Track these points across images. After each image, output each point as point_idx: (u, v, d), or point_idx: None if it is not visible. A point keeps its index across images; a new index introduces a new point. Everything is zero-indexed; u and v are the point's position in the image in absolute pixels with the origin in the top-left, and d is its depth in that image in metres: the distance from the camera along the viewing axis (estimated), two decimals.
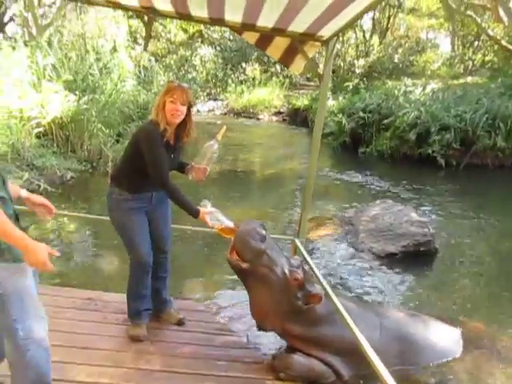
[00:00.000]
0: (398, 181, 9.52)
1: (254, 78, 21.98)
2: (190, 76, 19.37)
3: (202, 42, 22.52)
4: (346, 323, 2.25)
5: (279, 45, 3.11)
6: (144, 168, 2.58)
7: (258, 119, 19.95)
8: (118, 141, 9.82)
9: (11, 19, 16.77)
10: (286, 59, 3.25)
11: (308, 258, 2.99)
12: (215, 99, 21.97)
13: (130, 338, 2.75)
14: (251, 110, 20.39)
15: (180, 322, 3.02)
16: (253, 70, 22.41)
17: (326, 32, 2.78)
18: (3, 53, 9.32)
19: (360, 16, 2.37)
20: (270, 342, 3.00)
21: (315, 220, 6.56)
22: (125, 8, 2.87)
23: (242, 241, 2.50)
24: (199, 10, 2.63)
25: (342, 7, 2.24)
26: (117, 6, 2.78)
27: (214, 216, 2.56)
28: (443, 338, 2.97)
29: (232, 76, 22.44)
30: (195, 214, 2.57)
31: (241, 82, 22.09)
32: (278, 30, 2.85)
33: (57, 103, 8.78)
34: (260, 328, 2.73)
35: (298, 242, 3.25)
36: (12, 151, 7.64)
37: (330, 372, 2.53)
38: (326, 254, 5.58)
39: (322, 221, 6.61)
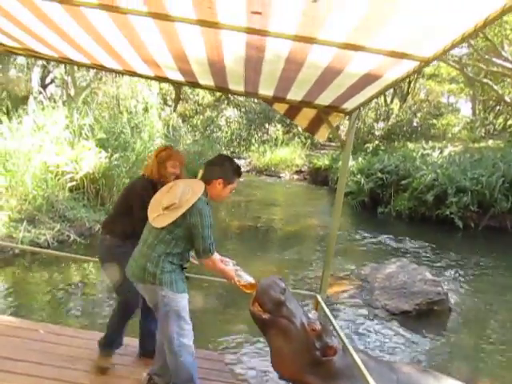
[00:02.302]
0: (416, 241, 9.54)
1: (276, 138, 22.72)
2: (215, 135, 20.18)
3: (227, 104, 23.63)
4: (363, 377, 2.33)
5: (306, 115, 3.38)
6: (134, 218, 2.81)
7: (280, 177, 20.38)
8: None
9: (52, 81, 18.08)
10: (312, 128, 3.52)
11: (329, 313, 3.10)
12: (239, 157, 22.64)
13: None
14: (273, 169, 20.91)
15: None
16: (275, 130, 23.24)
17: (349, 105, 2.99)
18: (44, 112, 10.06)
19: (383, 92, 2.53)
20: None
21: (332, 277, 6.64)
22: (169, 81, 3.23)
23: (263, 292, 2.67)
24: (237, 86, 2.96)
25: (366, 85, 2.41)
26: (162, 79, 3.16)
27: (237, 273, 2.73)
28: None
29: (255, 136, 23.28)
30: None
31: (263, 142, 22.85)
32: (306, 103, 3.12)
33: (90, 159, 9.33)
34: (280, 377, 2.82)
35: (319, 297, 3.36)
36: (47, 203, 8.06)
37: None
38: (341, 309, 5.64)
39: (339, 277, 6.69)
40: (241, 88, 3.02)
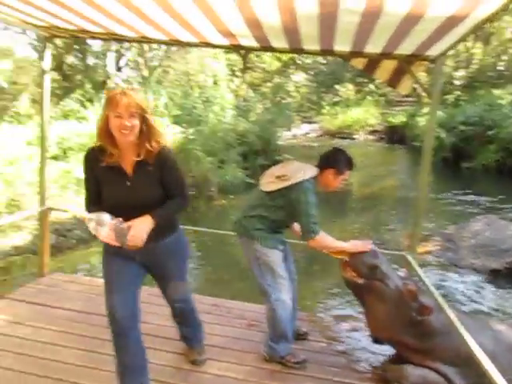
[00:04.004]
0: (504, 195, 8.90)
1: (347, 99, 22.01)
2: (284, 102, 20.00)
3: (295, 68, 23.18)
4: (460, 334, 2.28)
5: (386, 67, 3.21)
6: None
7: (354, 139, 19.86)
8: (220, 167, 10.54)
9: (126, 64, 18.87)
10: (394, 81, 3.34)
11: (421, 272, 3.02)
12: (310, 122, 22.35)
13: None
14: (346, 131, 20.39)
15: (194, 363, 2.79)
16: (346, 90, 22.47)
17: (434, 51, 2.80)
18: None
19: (471, 33, 2.33)
20: (372, 354, 3.07)
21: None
22: (243, 48, 3.24)
23: (356, 257, 2.67)
24: (311, 45, 2.90)
25: (451, 27, 2.24)
26: (236, 47, 3.18)
27: None
28: None
29: (326, 98, 22.70)
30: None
31: (334, 104, 22.25)
32: (386, 54, 2.97)
33: (166, 136, 9.75)
34: (375, 340, 2.84)
35: (409, 257, 3.28)
36: None
37: (444, 382, 2.54)
38: (428, 270, 5.48)
39: (424, 237, 6.49)
40: (316, 47, 2.94)
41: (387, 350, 2.94)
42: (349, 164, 2.75)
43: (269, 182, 2.68)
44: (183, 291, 2.53)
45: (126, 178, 2.10)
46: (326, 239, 2.57)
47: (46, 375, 2.57)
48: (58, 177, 7.40)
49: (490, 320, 3.25)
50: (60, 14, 2.70)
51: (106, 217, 1.99)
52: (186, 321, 2.71)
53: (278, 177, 2.62)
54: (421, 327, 2.58)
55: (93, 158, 2.10)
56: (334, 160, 2.71)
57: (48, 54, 3.45)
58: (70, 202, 7.07)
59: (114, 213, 2.04)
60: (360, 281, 2.65)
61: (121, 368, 2.25)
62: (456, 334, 2.33)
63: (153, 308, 3.31)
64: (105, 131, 2.03)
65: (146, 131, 2.05)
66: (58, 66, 14.58)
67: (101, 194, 2.14)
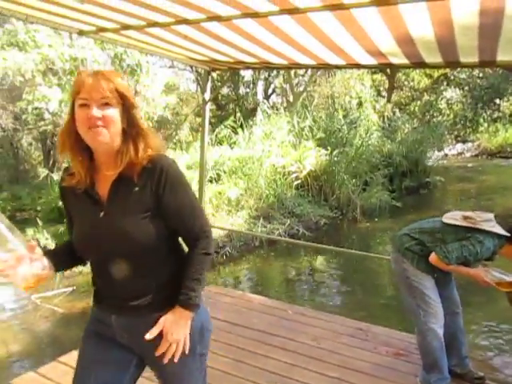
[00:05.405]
0: None
1: (510, 115, 19.71)
2: (435, 120, 18.81)
3: (447, 84, 21.69)
4: None
5: None
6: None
7: None
8: (364, 189, 10.32)
9: (273, 91, 19.94)
10: None
11: None
12: (464, 141, 20.56)
13: None
14: (509, 149, 18.20)
15: None
16: (509, 105, 20.16)
17: None
18: (270, 120, 11.19)
19: None
20: None
21: None
22: (392, 66, 3.19)
23: None
24: (469, 57, 2.73)
25: None
26: (385, 65, 3.15)
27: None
28: None
29: (484, 115, 20.68)
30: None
31: (494, 120, 20.12)
32: None
33: (311, 158, 9.95)
34: None
35: None
36: (277, 201, 8.95)
37: None
38: None
39: None
40: (475, 59, 2.75)
41: None
42: None
43: (452, 217, 2.59)
44: None
45: (100, 207, 1.35)
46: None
47: None
48: (211, 197, 8.09)
49: None
50: (220, 49, 3.00)
51: None
52: None
53: (465, 217, 2.54)
54: None
55: (64, 181, 1.42)
56: None
57: (209, 85, 3.86)
58: (222, 221, 7.68)
59: (92, 265, 1.44)
60: None
61: None
62: None
63: None
64: (68, 133, 1.32)
65: (131, 131, 1.33)
66: (214, 97, 16.09)
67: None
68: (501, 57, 2.65)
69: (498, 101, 20.60)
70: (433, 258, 2.47)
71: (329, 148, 10.28)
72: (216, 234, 7.08)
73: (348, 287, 6.19)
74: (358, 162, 10.62)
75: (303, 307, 3.99)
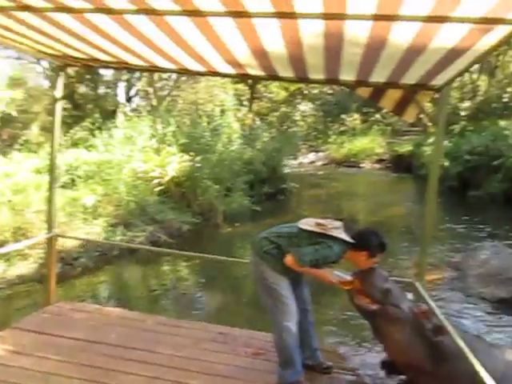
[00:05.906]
0: (510, 224, 8.83)
1: (354, 128, 22.19)
2: (291, 131, 20.21)
3: (302, 98, 23.53)
4: (470, 359, 2.22)
5: (392, 96, 3.23)
6: None
7: (360, 168, 19.89)
8: (226, 195, 10.56)
9: (136, 94, 19.29)
10: (399, 109, 3.34)
11: (429, 300, 2.98)
12: (316, 151, 22.47)
13: None
14: (352, 159, 20.45)
15: None
16: (352, 120, 22.69)
17: (438, 81, 2.83)
18: (131, 124, 10.78)
19: (475, 63, 2.35)
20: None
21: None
22: (250, 78, 3.29)
23: (369, 283, 2.67)
24: (317, 74, 2.95)
25: (454, 58, 2.27)
26: (243, 76, 3.24)
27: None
28: None
29: (332, 128, 22.91)
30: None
31: (341, 133, 22.43)
32: (391, 84, 3.01)
33: (174, 164, 9.82)
34: (388, 371, 2.79)
35: (418, 284, 3.24)
36: (138, 208, 8.61)
37: None
38: (435, 297, 5.39)
39: (431, 264, 6.41)
40: (321, 76, 2.99)
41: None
42: (381, 247, 2.77)
43: (307, 223, 2.76)
44: None
45: None
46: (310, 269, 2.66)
47: None
48: (64, 204, 7.43)
49: (502, 347, 3.17)
50: (73, 44, 2.78)
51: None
52: None
53: (318, 224, 2.72)
54: (437, 349, 2.53)
55: None
56: (367, 243, 2.73)
57: (60, 82, 3.54)
58: (77, 230, 7.09)
59: None
60: (374, 307, 2.63)
61: None
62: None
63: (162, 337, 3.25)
64: None
65: None
66: (70, 95, 14.91)
67: None
68: (343, 76, 2.94)
69: (343, 116, 23.04)
70: (288, 260, 2.61)
71: (192, 154, 10.28)
72: (69, 244, 6.52)
73: (211, 293, 6.23)
74: (221, 168, 10.82)
75: (164, 317, 3.88)
